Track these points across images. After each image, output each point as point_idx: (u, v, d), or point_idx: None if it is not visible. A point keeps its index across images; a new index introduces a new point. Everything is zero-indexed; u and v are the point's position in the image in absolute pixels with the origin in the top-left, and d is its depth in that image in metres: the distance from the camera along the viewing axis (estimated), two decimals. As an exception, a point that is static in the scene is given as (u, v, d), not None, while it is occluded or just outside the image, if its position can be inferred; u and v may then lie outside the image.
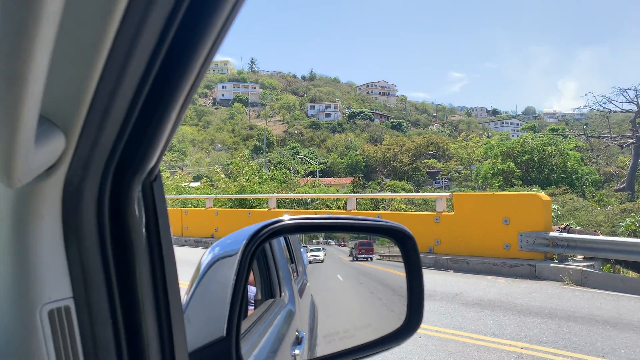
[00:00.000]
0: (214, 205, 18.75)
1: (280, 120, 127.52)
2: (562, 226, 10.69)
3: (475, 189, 46.41)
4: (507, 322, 6.80)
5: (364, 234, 1.96)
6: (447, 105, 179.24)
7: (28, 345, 0.65)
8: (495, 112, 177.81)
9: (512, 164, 45.77)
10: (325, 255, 2.04)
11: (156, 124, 0.64)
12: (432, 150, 79.17)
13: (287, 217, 1.34)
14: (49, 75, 0.48)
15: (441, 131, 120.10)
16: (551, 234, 10.10)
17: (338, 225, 1.72)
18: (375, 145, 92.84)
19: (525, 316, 7.07)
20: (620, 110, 50.33)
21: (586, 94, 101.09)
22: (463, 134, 73.34)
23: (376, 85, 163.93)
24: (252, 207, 19.54)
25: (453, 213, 11.75)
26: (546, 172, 46.96)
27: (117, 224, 0.70)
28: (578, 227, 12.18)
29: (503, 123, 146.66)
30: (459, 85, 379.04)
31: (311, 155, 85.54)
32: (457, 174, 59.92)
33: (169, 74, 0.60)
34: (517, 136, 61.21)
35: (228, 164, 28.96)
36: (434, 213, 12.27)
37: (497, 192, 16.97)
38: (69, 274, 0.69)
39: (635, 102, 47.46)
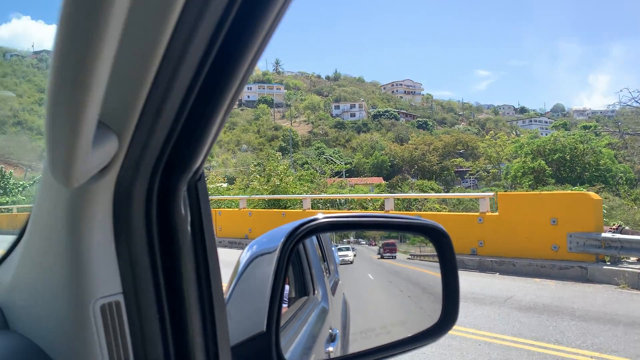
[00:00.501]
0: (248, 206, 18.66)
1: (305, 121, 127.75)
2: (615, 227, 10.26)
3: (505, 188, 45.53)
4: (567, 328, 6.47)
5: (397, 232, 1.97)
6: (473, 103, 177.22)
7: (82, 338, 0.68)
8: (523, 110, 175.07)
9: (543, 162, 44.75)
10: (355, 255, 2.06)
11: (203, 125, 0.66)
12: (460, 149, 78.24)
13: (322, 216, 1.34)
14: (108, 81, 0.50)
15: (468, 130, 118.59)
16: (603, 234, 9.65)
17: (372, 223, 1.70)
18: (402, 144, 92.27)
19: (585, 322, 6.72)
20: (656, 106, 48.83)
21: (621, 90, 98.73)
22: (491, 132, 72.23)
23: (401, 84, 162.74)
24: (285, 207, 19.39)
25: (497, 213, 11.37)
26: (578, 171, 45.88)
27: (164, 222, 0.72)
28: (627, 227, 11.71)
29: (531, 121, 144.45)
30: (485, 83, 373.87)
31: (336, 156, 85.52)
32: (486, 173, 59.06)
33: (217, 77, 0.62)
34: (547, 134, 59.92)
35: (256, 165, 28.97)
36: (477, 214, 11.89)
37: (543, 191, 16.52)
38: (119, 270, 0.71)
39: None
